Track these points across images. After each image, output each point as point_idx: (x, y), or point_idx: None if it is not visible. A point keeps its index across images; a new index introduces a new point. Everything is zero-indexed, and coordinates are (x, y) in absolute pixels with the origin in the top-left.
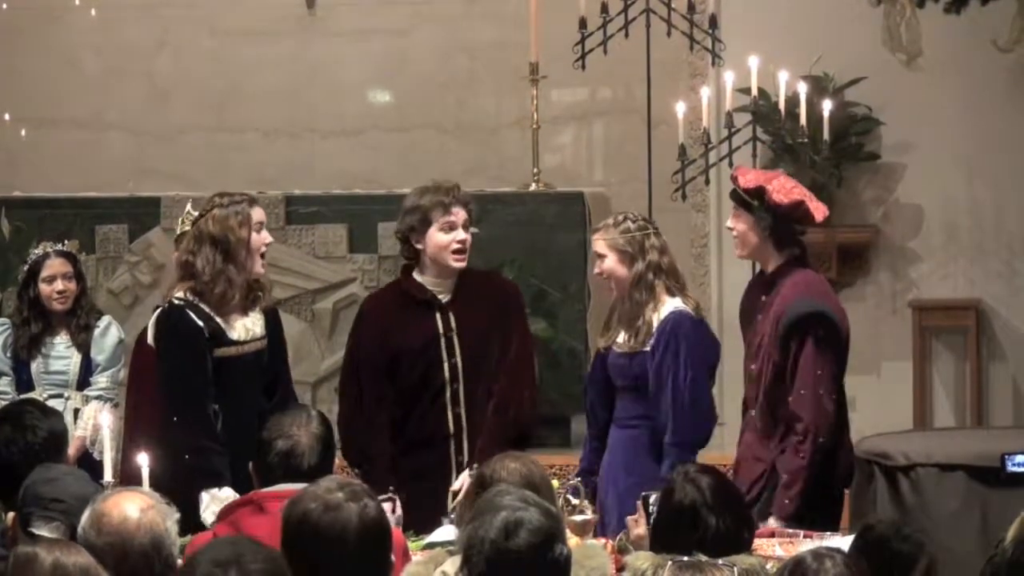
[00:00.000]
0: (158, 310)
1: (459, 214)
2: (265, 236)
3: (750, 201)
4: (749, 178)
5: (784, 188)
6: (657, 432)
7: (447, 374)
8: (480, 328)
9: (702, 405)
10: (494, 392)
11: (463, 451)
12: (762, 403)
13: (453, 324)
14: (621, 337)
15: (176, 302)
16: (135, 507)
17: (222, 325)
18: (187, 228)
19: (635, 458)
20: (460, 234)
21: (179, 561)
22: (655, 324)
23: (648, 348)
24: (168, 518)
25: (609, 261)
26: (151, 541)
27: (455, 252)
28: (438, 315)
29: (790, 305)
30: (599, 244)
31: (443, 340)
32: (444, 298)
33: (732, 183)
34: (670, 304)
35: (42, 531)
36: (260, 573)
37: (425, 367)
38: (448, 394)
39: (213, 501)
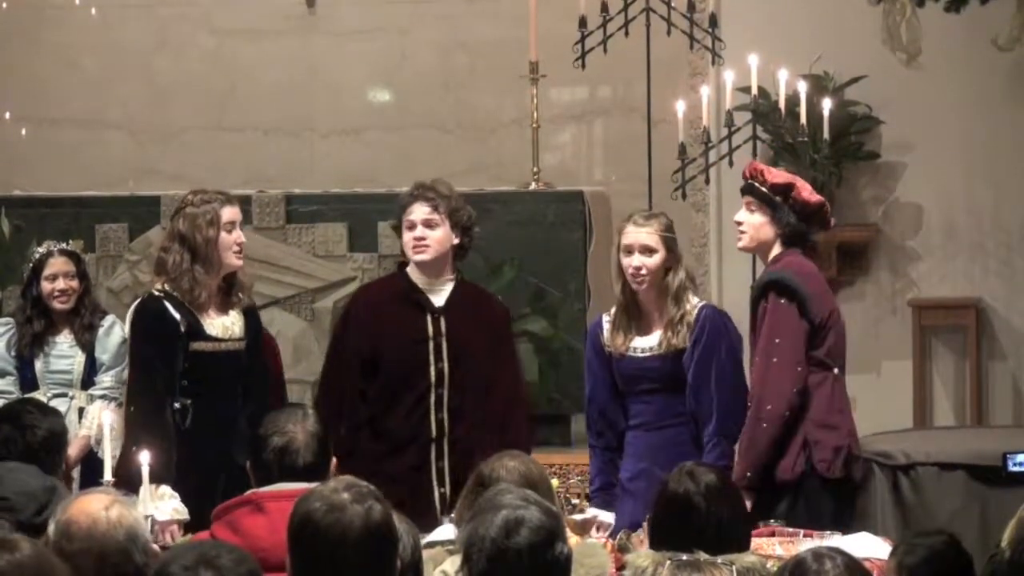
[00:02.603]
0: (136, 301)
1: (417, 211)
2: (237, 235)
3: (773, 198)
4: (775, 174)
5: (807, 188)
6: (697, 426)
7: (433, 378)
8: (470, 340)
9: (744, 398)
10: (488, 413)
11: (444, 456)
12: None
13: (444, 329)
14: (647, 341)
15: (155, 293)
16: (100, 507)
17: (200, 319)
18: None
19: (680, 457)
20: (417, 231)
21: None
22: (687, 324)
23: (683, 346)
24: (134, 507)
25: (658, 257)
26: (126, 535)
27: (413, 248)
28: (429, 318)
29: (759, 277)
30: (652, 237)
31: (432, 344)
32: (438, 302)
33: (751, 177)
34: (695, 300)
35: None
36: (233, 563)
37: (410, 369)
38: (432, 398)
39: (150, 498)
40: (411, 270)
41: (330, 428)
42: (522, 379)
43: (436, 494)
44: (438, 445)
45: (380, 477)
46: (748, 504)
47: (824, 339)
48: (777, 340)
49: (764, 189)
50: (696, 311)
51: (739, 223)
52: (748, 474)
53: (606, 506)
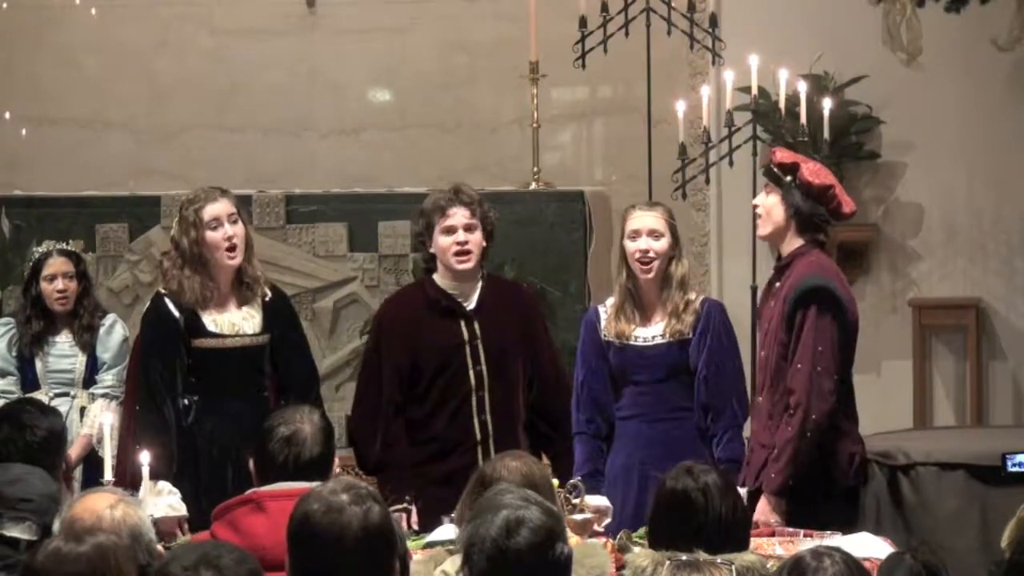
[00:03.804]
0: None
1: (457, 215)
2: (225, 231)
3: (781, 177)
4: (785, 155)
5: (817, 170)
6: (706, 417)
7: (473, 381)
8: (505, 337)
9: (745, 386)
10: (533, 405)
11: (490, 457)
12: (769, 388)
13: (478, 332)
14: (650, 331)
15: (160, 291)
16: (105, 505)
17: (202, 316)
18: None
19: (681, 449)
20: (460, 236)
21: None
22: (693, 312)
23: (688, 335)
24: (139, 507)
25: (665, 242)
26: (129, 534)
27: (456, 254)
28: (463, 322)
29: (798, 282)
30: (659, 221)
31: (468, 348)
32: (468, 305)
33: (769, 161)
34: (695, 292)
35: (13, 532)
36: (234, 563)
37: (450, 375)
38: (474, 401)
39: (148, 494)
40: (439, 276)
41: (366, 443)
42: (560, 364)
43: None
44: (484, 447)
45: (428, 482)
46: (782, 511)
47: (851, 348)
48: (820, 349)
49: (773, 168)
50: (699, 302)
51: (756, 206)
52: (790, 483)
53: (593, 493)
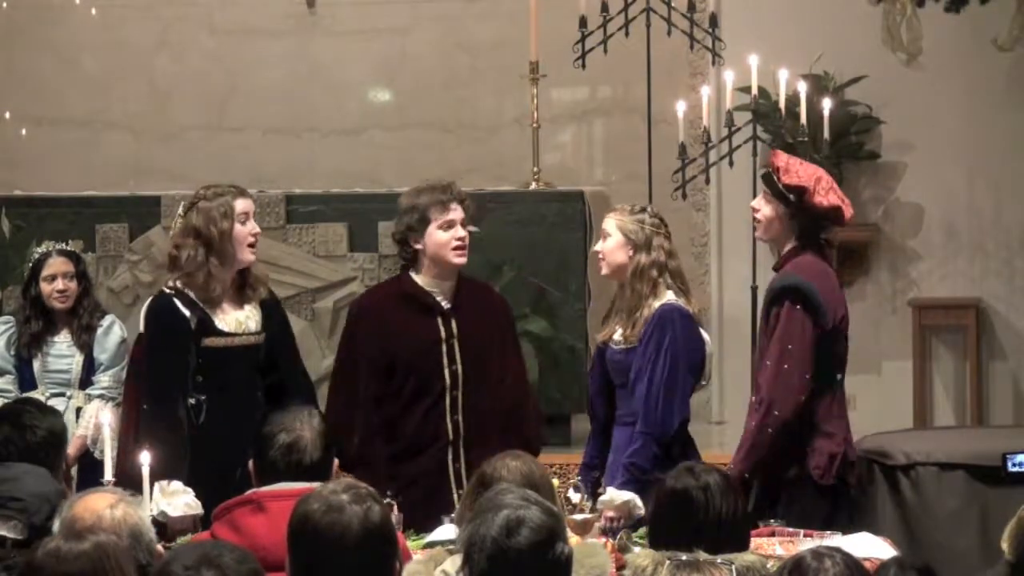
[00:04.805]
0: (149, 299)
1: (457, 211)
2: (251, 227)
3: (787, 195)
4: (792, 173)
5: (824, 190)
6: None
7: (448, 380)
8: (481, 337)
9: (672, 398)
10: (499, 412)
11: (460, 458)
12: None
13: (455, 330)
14: (618, 333)
15: (166, 291)
16: (105, 505)
17: (211, 315)
18: (178, 220)
19: None
20: (459, 231)
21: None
22: (644, 321)
23: (635, 344)
24: (139, 507)
25: (612, 242)
26: (129, 534)
27: (455, 249)
28: (440, 320)
29: (775, 282)
30: (609, 223)
31: (444, 346)
32: (445, 303)
33: (771, 171)
34: (666, 297)
35: (1, 531)
36: (235, 562)
37: (425, 372)
38: (447, 400)
39: (162, 495)
40: (418, 273)
41: (342, 437)
42: (525, 373)
43: (455, 496)
44: (454, 447)
45: (398, 481)
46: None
47: (832, 346)
48: (790, 347)
49: (779, 186)
50: (657, 307)
51: (755, 209)
52: (746, 476)
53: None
